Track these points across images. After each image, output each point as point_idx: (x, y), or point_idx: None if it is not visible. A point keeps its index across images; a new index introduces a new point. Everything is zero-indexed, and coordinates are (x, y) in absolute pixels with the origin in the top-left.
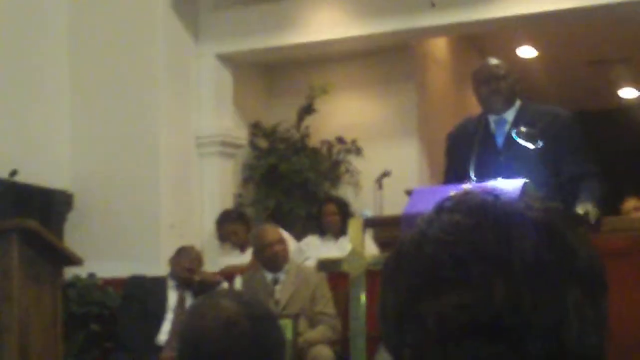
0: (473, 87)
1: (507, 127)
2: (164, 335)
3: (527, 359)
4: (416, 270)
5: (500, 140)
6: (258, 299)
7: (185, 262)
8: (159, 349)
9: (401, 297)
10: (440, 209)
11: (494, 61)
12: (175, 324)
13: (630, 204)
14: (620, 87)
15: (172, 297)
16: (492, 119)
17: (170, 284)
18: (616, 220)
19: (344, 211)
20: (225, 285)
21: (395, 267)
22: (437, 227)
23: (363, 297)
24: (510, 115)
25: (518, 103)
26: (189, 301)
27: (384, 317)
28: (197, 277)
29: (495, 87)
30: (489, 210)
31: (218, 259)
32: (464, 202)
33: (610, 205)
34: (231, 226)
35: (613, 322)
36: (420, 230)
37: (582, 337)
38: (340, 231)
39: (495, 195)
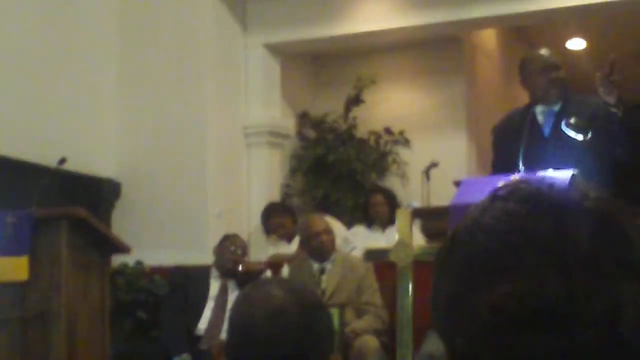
0: (525, 76)
1: (554, 117)
2: (203, 324)
3: (581, 349)
4: (469, 259)
5: (547, 131)
6: (307, 288)
7: (229, 251)
8: (198, 338)
9: (453, 287)
10: (494, 197)
11: (547, 51)
12: (215, 313)
13: None
14: None
15: (215, 286)
16: (538, 110)
17: (214, 273)
18: None
19: (392, 202)
20: (269, 274)
21: (448, 255)
22: (490, 216)
23: (410, 288)
24: (557, 106)
25: (566, 93)
26: (232, 291)
27: (436, 306)
28: (242, 268)
29: (555, 77)
30: (543, 198)
31: (265, 249)
32: (518, 191)
33: None
34: (278, 219)
35: None
36: (474, 219)
37: (637, 327)
38: (387, 221)
39: (549, 184)
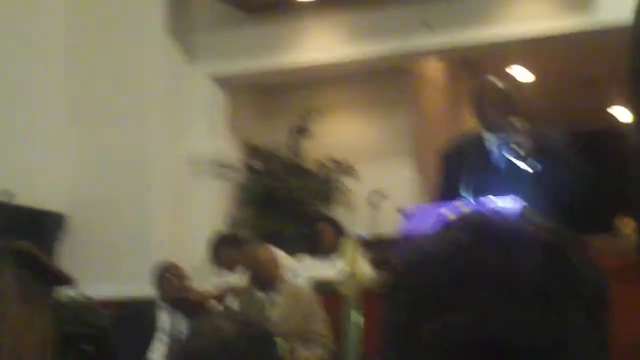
0: (474, 106)
1: (503, 146)
2: (155, 355)
3: None
4: (418, 289)
5: (496, 160)
6: (255, 319)
7: (171, 282)
8: None
9: (402, 316)
10: (442, 226)
11: (497, 84)
12: (166, 344)
13: (623, 221)
14: (613, 107)
15: (163, 318)
16: (488, 138)
17: (162, 304)
18: (608, 240)
19: (338, 230)
20: (214, 304)
21: (396, 285)
22: (439, 246)
23: (356, 317)
24: (506, 133)
25: (515, 120)
26: (179, 322)
27: (385, 337)
28: (186, 297)
29: (502, 113)
30: (492, 229)
31: (212, 279)
32: (467, 221)
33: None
34: (224, 250)
35: None
36: (422, 249)
37: (583, 359)
38: (333, 250)
39: (499, 214)
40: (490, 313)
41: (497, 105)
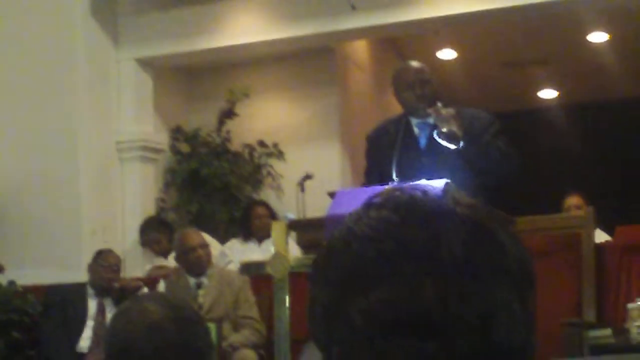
0: (395, 90)
1: (430, 129)
2: (84, 342)
3: (454, 355)
4: (344, 267)
5: (422, 142)
6: (185, 302)
7: (103, 269)
8: (80, 356)
9: (329, 295)
10: (368, 205)
11: (416, 65)
12: (96, 331)
13: (572, 201)
14: (539, 88)
15: (92, 304)
16: (414, 120)
17: (90, 291)
18: (536, 219)
19: (273, 214)
20: (145, 290)
21: (323, 264)
22: (364, 224)
23: (287, 300)
24: (432, 117)
25: (439, 105)
26: (109, 308)
27: (312, 315)
28: (117, 285)
29: (421, 93)
30: (417, 206)
31: (141, 265)
32: (392, 199)
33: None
34: (153, 235)
35: None
36: (348, 227)
37: (510, 334)
38: (267, 234)
39: (423, 191)
40: (417, 289)
41: (415, 88)
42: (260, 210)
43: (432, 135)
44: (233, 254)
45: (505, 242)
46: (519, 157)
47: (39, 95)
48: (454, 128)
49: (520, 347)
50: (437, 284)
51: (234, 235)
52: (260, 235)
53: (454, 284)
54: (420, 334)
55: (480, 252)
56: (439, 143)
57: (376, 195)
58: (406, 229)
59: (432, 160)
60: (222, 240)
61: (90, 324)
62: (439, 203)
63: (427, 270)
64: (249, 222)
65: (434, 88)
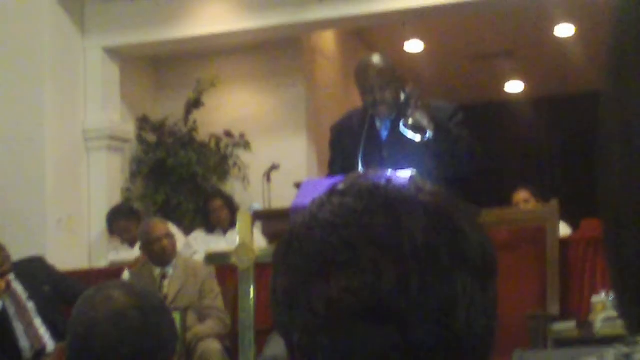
0: (357, 86)
1: (391, 122)
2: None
3: (415, 342)
4: (306, 254)
5: (384, 134)
6: (149, 291)
7: None
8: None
9: (291, 281)
10: (331, 192)
11: (378, 64)
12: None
13: (520, 195)
14: (506, 80)
15: None
16: (374, 111)
17: None
18: (501, 212)
19: (231, 205)
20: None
21: (286, 250)
22: (327, 210)
23: (251, 290)
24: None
25: (403, 97)
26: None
27: (275, 301)
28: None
29: (380, 98)
30: (379, 193)
31: (107, 254)
32: (355, 186)
33: (502, 196)
34: (122, 223)
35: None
36: (311, 213)
37: (470, 321)
38: (228, 225)
39: (386, 179)
40: (378, 276)
41: (375, 93)
42: (216, 203)
43: (394, 127)
44: (198, 245)
45: (467, 229)
46: (481, 147)
47: (4, 83)
48: (423, 120)
49: (481, 334)
50: (399, 271)
51: (200, 226)
52: (220, 226)
53: (416, 271)
54: (381, 321)
55: (441, 239)
56: (401, 135)
57: (340, 182)
58: (368, 216)
59: (394, 152)
60: (189, 230)
61: None
62: (402, 190)
63: (388, 258)
64: (207, 215)
65: (398, 88)
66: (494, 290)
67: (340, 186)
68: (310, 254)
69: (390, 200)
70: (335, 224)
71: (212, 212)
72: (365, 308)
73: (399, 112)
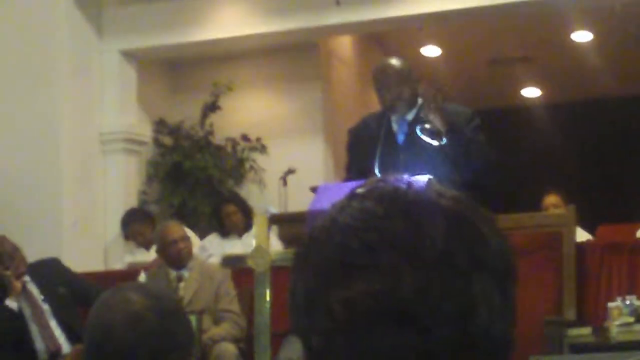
0: (374, 88)
1: (408, 126)
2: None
3: (434, 346)
4: (326, 257)
5: (401, 139)
6: (166, 293)
7: None
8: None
9: (310, 284)
10: (352, 196)
11: (395, 65)
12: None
13: (550, 200)
14: (523, 86)
15: None
16: (393, 117)
17: None
18: (517, 217)
19: (245, 209)
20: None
21: (305, 253)
22: (347, 214)
23: (268, 294)
24: (411, 114)
25: (420, 101)
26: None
27: (294, 304)
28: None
29: (398, 94)
30: (400, 197)
31: (123, 257)
32: (375, 190)
33: (533, 200)
34: (136, 226)
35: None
36: (331, 217)
37: (489, 326)
38: (243, 229)
39: (407, 183)
40: (398, 280)
41: (392, 89)
42: (229, 208)
43: (411, 131)
44: (213, 248)
45: (487, 234)
46: (495, 153)
47: (22, 86)
48: (438, 123)
49: (500, 339)
50: (418, 276)
51: (215, 230)
52: (234, 231)
53: (435, 276)
54: (399, 325)
55: (461, 244)
56: (418, 139)
57: (360, 186)
58: (388, 220)
59: (410, 156)
60: (205, 233)
61: None
62: (422, 195)
63: (408, 262)
64: (221, 221)
65: (415, 87)
66: (513, 295)
67: (361, 190)
68: (330, 257)
69: (410, 204)
70: (355, 228)
71: (226, 217)
72: (384, 312)
73: (416, 114)
